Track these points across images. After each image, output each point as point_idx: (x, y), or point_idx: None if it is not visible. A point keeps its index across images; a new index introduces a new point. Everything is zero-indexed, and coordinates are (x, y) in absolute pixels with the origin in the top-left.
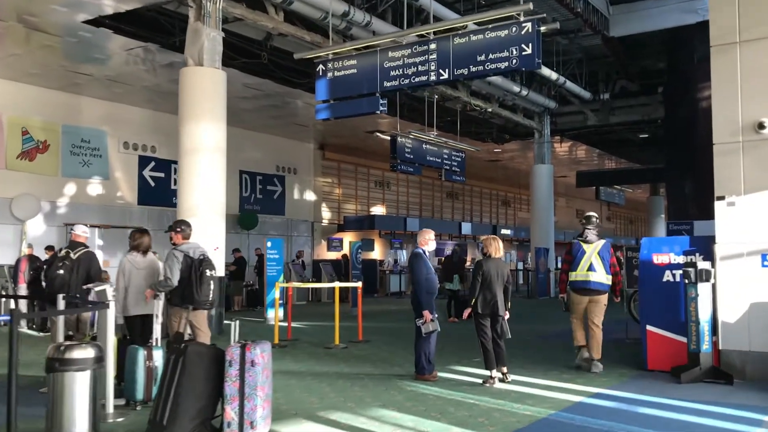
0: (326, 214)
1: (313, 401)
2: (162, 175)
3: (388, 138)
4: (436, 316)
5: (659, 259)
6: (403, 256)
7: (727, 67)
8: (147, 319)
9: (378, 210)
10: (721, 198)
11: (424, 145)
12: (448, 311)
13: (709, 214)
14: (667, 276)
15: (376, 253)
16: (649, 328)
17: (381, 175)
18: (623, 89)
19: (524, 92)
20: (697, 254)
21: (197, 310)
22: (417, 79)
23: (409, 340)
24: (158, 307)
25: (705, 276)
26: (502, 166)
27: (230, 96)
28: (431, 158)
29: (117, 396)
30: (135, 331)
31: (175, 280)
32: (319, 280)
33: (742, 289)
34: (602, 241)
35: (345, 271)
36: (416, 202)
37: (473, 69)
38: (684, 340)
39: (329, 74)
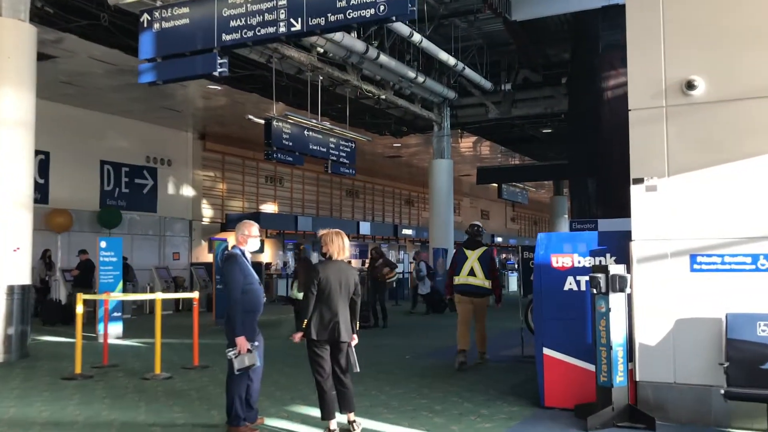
0: (207, 211)
1: None
2: None
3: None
4: (256, 344)
5: (560, 261)
6: (291, 258)
7: (647, 13)
8: None
9: (269, 208)
10: (639, 181)
11: (306, 132)
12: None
13: (613, 213)
14: (570, 283)
15: (266, 255)
16: (546, 351)
17: (273, 169)
18: (526, 80)
19: (421, 79)
20: (608, 255)
21: None
22: (263, 32)
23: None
24: None
25: (619, 284)
26: (405, 163)
27: (84, 73)
28: (315, 147)
29: None
30: None
31: None
32: (192, 287)
33: (665, 300)
34: (483, 248)
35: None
36: (312, 200)
37: (332, 18)
38: (592, 368)
39: (155, 25)
